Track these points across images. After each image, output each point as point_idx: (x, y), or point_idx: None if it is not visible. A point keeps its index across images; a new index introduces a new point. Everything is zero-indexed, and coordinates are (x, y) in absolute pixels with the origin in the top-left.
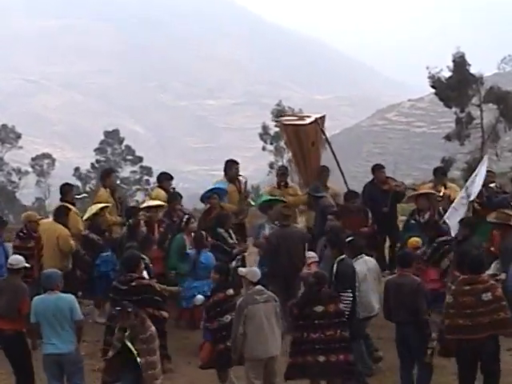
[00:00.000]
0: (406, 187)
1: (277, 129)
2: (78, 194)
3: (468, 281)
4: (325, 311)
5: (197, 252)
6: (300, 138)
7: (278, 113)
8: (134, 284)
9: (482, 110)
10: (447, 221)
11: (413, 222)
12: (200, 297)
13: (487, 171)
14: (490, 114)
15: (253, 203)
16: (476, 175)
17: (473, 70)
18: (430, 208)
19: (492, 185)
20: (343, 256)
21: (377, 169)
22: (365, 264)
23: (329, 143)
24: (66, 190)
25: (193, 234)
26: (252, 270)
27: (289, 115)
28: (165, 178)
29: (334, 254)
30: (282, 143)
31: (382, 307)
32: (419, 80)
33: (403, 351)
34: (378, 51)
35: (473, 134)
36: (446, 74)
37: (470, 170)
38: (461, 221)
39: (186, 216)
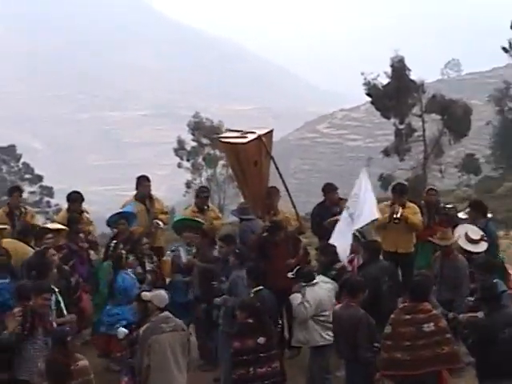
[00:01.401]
0: None
1: (194, 143)
2: None
3: (408, 309)
4: (268, 342)
5: (114, 273)
6: (240, 158)
7: (195, 125)
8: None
9: (423, 121)
10: (335, 244)
11: None
12: (122, 330)
13: (430, 189)
14: (432, 125)
15: (161, 225)
16: (356, 193)
17: (413, 76)
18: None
19: (449, 205)
20: (260, 287)
21: (329, 189)
22: (319, 288)
23: (274, 162)
24: None
25: None
26: (158, 293)
27: (232, 131)
28: (74, 199)
29: (250, 284)
30: (200, 159)
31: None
32: (354, 88)
33: None
34: (306, 58)
35: (414, 148)
36: (384, 80)
37: (412, 188)
38: (363, 244)
39: (114, 241)
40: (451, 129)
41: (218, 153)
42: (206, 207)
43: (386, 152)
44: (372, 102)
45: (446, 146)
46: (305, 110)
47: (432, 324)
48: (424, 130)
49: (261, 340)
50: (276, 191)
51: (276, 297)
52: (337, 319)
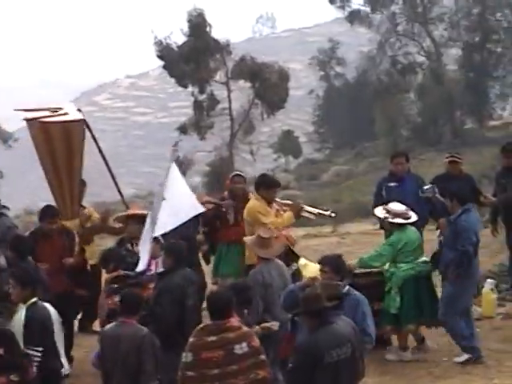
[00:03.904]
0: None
1: None
2: None
3: (212, 329)
4: (23, 378)
5: None
6: (49, 139)
7: None
8: None
9: (229, 90)
10: (140, 255)
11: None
12: None
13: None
14: (241, 95)
15: None
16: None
17: (217, 34)
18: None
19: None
20: (35, 299)
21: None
22: None
23: (96, 143)
24: None
25: None
26: None
27: (39, 110)
28: None
29: (20, 296)
30: None
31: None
32: (142, 50)
33: None
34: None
35: (218, 124)
36: (180, 39)
37: (216, 174)
38: (166, 248)
39: None
40: (264, 99)
41: None
42: None
43: (183, 129)
44: (165, 67)
45: (258, 121)
46: (80, 77)
47: (245, 344)
48: (230, 102)
49: (14, 377)
50: (82, 184)
51: (54, 305)
52: (113, 343)
